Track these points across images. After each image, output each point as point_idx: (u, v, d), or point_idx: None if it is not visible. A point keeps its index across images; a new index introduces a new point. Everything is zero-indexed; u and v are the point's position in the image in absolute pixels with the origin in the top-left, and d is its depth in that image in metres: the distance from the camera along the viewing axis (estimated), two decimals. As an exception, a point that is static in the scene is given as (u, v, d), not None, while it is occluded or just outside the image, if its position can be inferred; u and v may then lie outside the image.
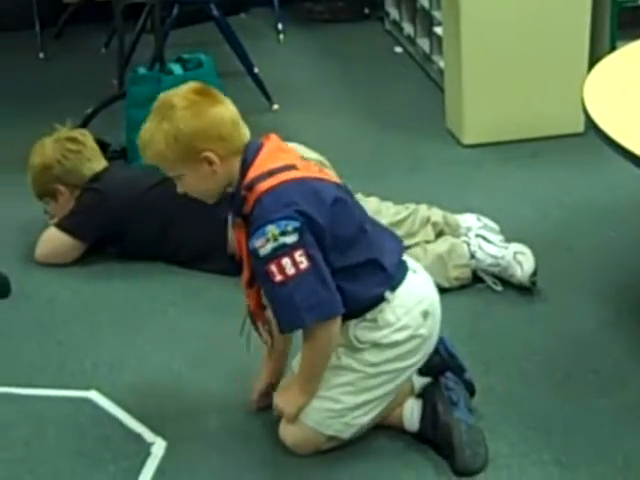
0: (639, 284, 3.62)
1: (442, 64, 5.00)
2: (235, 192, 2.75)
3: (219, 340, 3.41)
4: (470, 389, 2.97)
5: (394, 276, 2.80)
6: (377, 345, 2.78)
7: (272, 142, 2.78)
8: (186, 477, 2.85)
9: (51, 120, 4.16)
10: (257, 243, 2.65)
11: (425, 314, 2.81)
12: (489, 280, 3.58)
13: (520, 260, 3.54)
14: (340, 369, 2.80)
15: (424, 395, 2.92)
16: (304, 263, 2.63)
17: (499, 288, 3.56)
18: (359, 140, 4.86)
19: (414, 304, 2.80)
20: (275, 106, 5.17)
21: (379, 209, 3.63)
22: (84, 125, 4.42)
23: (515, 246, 3.59)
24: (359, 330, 2.77)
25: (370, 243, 2.80)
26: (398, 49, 5.82)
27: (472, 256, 3.58)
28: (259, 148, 2.74)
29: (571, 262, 3.74)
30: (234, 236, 2.86)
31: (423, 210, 3.73)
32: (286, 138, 2.88)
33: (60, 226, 3.90)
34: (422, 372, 2.91)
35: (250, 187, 2.69)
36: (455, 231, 3.69)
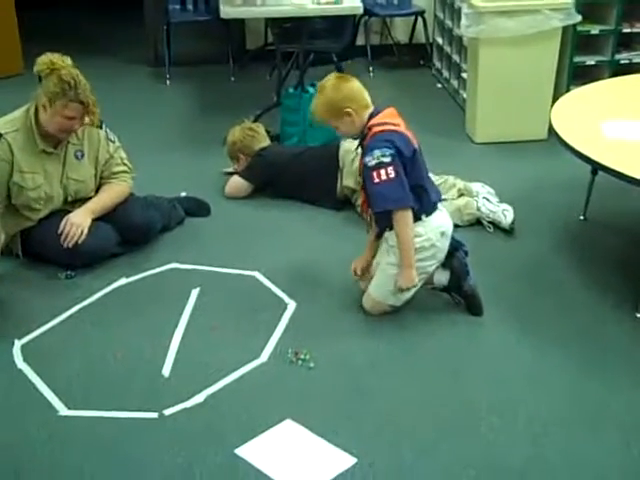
0: (572, 227, 3.55)
1: (465, 95, 4.93)
2: (363, 131, 2.73)
3: (328, 245, 3.42)
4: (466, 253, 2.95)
5: (432, 207, 2.79)
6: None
7: (390, 109, 2.76)
8: (308, 322, 2.89)
9: (237, 117, 4.20)
10: (367, 158, 2.65)
11: (442, 234, 2.80)
12: (486, 224, 3.54)
13: (505, 214, 3.50)
14: (392, 265, 2.80)
15: (451, 264, 2.89)
16: (392, 174, 2.62)
17: (491, 230, 3.52)
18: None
19: (436, 226, 2.79)
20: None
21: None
22: (256, 120, 4.44)
23: (504, 205, 3.55)
24: None
25: (428, 180, 2.80)
26: (438, 85, 5.73)
27: (478, 209, 3.55)
28: (382, 110, 2.74)
29: (536, 214, 3.67)
30: (359, 159, 2.83)
31: (451, 180, 3.70)
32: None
33: (240, 174, 3.93)
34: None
35: (370, 128, 2.69)
36: (470, 193, 3.64)
